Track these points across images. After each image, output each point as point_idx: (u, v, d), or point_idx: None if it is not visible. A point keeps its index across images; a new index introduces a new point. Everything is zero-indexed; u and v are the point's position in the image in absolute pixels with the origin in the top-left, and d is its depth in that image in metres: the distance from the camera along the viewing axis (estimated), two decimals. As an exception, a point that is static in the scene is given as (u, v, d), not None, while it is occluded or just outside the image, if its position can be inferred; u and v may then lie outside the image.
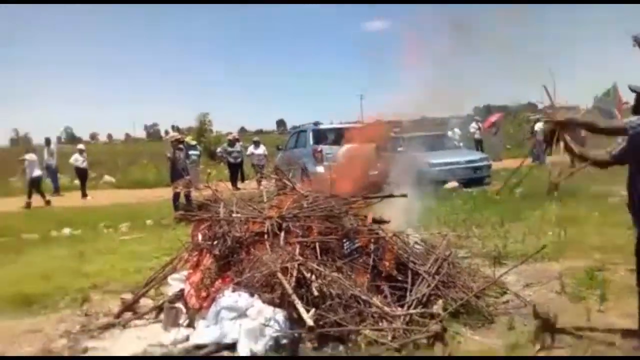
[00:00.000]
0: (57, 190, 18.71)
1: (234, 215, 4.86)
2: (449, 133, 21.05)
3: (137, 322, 4.78)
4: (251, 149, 18.94)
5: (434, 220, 8.51)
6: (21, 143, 48.91)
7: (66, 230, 10.11)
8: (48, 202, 15.35)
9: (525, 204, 9.84)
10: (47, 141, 19.30)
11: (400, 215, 5.47)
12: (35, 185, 15.40)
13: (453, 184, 14.25)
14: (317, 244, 4.51)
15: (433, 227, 7.63)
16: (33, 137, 62.25)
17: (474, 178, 14.95)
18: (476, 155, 16.56)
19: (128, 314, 4.94)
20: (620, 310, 4.39)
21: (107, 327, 4.68)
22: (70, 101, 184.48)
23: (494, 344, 3.82)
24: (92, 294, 5.77)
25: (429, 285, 4.38)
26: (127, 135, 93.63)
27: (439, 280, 4.53)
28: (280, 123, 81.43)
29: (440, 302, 4.16)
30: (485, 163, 15.67)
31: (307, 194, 5.40)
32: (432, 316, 4.04)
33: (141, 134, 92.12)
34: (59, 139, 75.66)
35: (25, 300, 5.54)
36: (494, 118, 23.58)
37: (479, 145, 22.09)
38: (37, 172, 15.52)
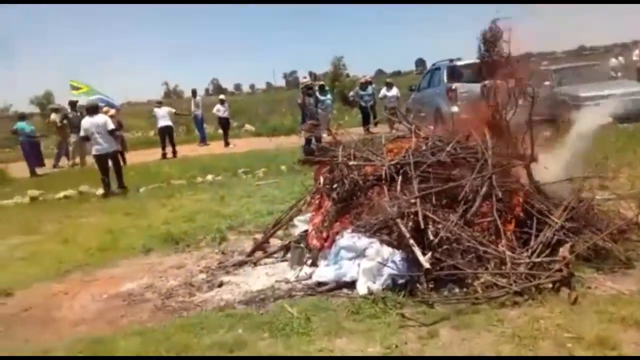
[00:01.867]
0: (203, 139, 19.93)
1: (350, 162, 4.89)
2: (612, 61, 18.74)
3: (267, 260, 5.17)
4: (383, 91, 18.49)
5: (577, 160, 7.73)
6: (172, 96, 53.36)
7: (209, 177, 11.01)
8: (174, 154, 16.37)
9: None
10: (193, 93, 20.46)
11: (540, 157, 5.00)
12: (163, 135, 16.61)
13: (606, 119, 12.79)
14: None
15: (576, 168, 6.95)
16: (184, 89, 67.78)
17: (632, 112, 13.26)
18: (636, 87, 14.60)
19: (259, 253, 5.34)
20: None
21: (241, 264, 5.13)
22: (216, 53, 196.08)
23: (627, 290, 3.48)
24: (229, 234, 6.33)
25: (557, 231, 4.07)
26: (268, 84, 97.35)
27: (569, 225, 4.18)
28: (420, 62, 77.29)
29: (568, 245, 3.85)
30: (646, 95, 13.73)
31: (427, 137, 5.24)
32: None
33: (281, 82, 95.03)
34: (206, 90, 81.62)
35: (173, 239, 6.29)
36: (663, 42, 20.21)
37: (642, 74, 19.43)
38: (163, 123, 16.51)
